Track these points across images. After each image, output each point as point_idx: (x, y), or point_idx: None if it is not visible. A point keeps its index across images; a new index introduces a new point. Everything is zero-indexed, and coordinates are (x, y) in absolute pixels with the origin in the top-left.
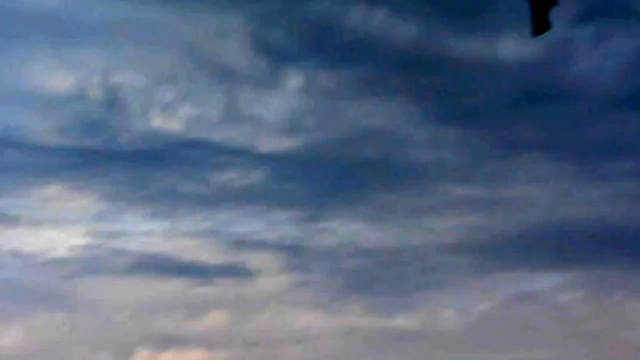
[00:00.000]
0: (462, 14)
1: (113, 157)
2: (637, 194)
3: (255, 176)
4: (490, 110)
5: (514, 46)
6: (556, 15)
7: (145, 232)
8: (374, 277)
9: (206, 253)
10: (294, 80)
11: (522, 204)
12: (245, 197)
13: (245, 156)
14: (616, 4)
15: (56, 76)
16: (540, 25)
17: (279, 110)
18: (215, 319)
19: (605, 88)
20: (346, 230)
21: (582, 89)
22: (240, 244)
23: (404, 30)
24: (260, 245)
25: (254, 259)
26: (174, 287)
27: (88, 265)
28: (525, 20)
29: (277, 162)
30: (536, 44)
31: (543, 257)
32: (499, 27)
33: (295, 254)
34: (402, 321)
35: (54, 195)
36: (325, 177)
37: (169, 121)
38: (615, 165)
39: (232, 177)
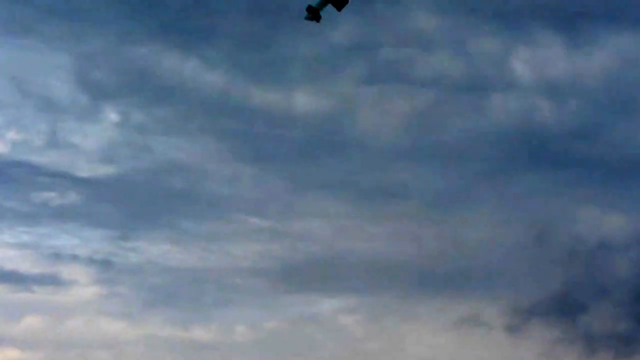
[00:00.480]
0: (263, 68)
1: None
2: (409, 233)
3: (72, 197)
4: (284, 153)
5: (307, 100)
6: (346, 75)
7: None
8: (176, 293)
9: (25, 263)
10: (111, 114)
11: (308, 236)
12: (62, 215)
13: (64, 179)
14: (398, 70)
15: None
16: (339, 2)
17: (97, 140)
18: (30, 323)
19: (385, 141)
20: (152, 250)
21: (365, 141)
22: (56, 256)
23: (212, 79)
24: (74, 258)
25: (68, 271)
26: None
27: None
28: (317, 77)
29: (92, 186)
30: (327, 99)
31: (326, 284)
32: (296, 82)
33: (105, 269)
34: (199, 333)
35: None
36: (135, 202)
37: None
38: (392, 208)
39: (51, 197)
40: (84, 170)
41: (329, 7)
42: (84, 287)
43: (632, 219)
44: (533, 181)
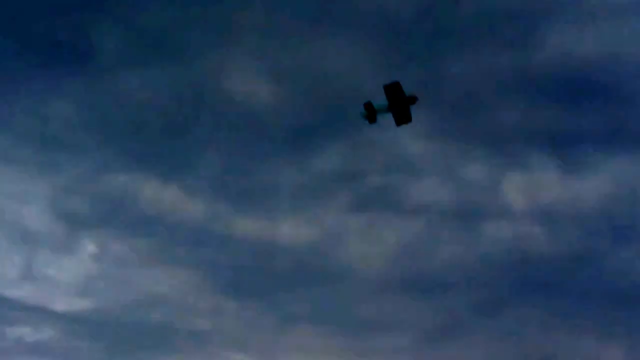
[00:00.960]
0: (246, 197)
1: None
2: None
3: (48, 332)
4: (268, 285)
5: (293, 229)
6: (332, 203)
7: None
8: None
9: None
10: (88, 246)
11: None
12: (37, 351)
13: (39, 313)
14: (386, 198)
15: None
16: (402, 118)
17: (73, 272)
18: None
19: (374, 272)
20: None
21: (353, 271)
22: None
23: (193, 208)
24: None
25: None
26: None
27: None
28: (302, 205)
29: (69, 320)
30: (313, 228)
31: None
32: (280, 211)
33: None
34: None
35: None
36: (113, 337)
37: None
38: (382, 342)
39: (26, 332)
40: (61, 304)
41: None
42: None
43: (632, 352)
44: (528, 312)
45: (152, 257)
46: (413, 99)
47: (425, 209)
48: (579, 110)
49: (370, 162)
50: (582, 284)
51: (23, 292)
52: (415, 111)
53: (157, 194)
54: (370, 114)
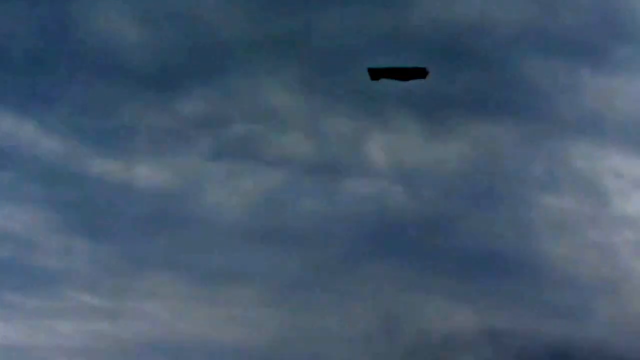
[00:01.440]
0: (104, 137)
1: None
2: (250, 318)
3: None
4: (122, 228)
5: (150, 173)
6: (193, 149)
7: None
8: None
9: None
10: None
11: (143, 316)
12: None
13: None
14: (248, 148)
15: None
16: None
17: None
18: None
19: (230, 221)
20: None
21: (209, 219)
22: None
23: (49, 145)
24: None
25: None
26: None
27: None
28: (162, 149)
29: None
30: (171, 173)
31: None
32: (139, 153)
33: None
34: None
35: None
36: None
37: None
38: (234, 291)
39: None
40: None
41: None
42: None
43: (479, 313)
44: (382, 270)
45: (2, 191)
46: (424, 74)
47: (287, 161)
48: (447, 75)
49: (235, 110)
50: (437, 245)
51: None
52: (283, 62)
53: (12, 129)
54: (377, 77)
